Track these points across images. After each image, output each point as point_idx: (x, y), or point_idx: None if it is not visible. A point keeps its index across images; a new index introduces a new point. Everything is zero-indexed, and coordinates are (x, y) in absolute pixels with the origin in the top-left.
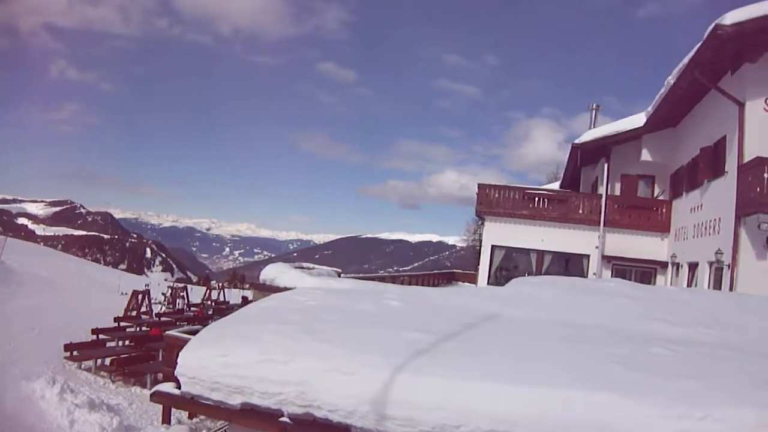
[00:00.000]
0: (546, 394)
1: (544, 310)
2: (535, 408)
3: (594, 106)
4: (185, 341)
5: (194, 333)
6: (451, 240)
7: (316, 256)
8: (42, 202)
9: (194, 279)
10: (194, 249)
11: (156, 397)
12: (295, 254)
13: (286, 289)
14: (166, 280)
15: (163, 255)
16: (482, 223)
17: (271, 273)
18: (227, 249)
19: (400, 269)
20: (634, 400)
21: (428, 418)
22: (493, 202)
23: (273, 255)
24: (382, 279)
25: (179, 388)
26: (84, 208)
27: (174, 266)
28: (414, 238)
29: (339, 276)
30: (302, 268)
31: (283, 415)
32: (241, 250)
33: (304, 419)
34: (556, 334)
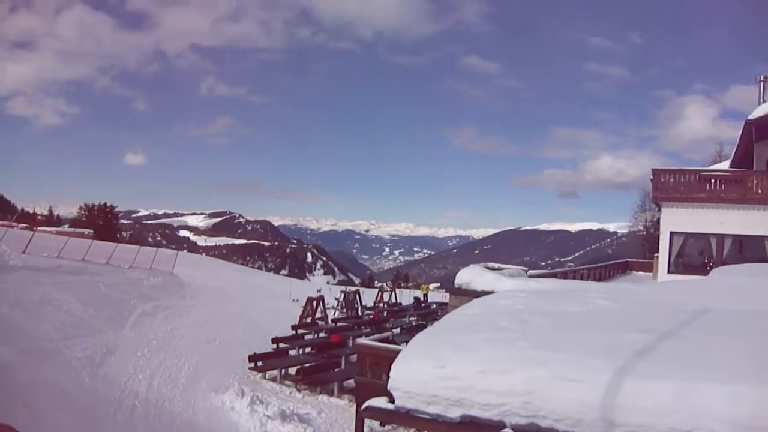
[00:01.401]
0: None
1: (759, 302)
2: None
3: (762, 78)
4: (377, 349)
5: (385, 340)
6: (611, 227)
7: (476, 252)
8: (202, 214)
9: (356, 281)
10: (354, 251)
11: (368, 412)
12: (455, 251)
13: (483, 292)
14: (328, 282)
15: (324, 258)
16: (658, 210)
17: (467, 277)
18: (387, 249)
19: (562, 260)
20: None
21: (659, 424)
22: (669, 187)
23: (433, 253)
24: (564, 274)
25: (392, 402)
26: (243, 217)
27: (335, 269)
28: (574, 227)
29: (527, 274)
30: (491, 268)
31: (505, 426)
32: (401, 250)
33: (527, 430)
34: None
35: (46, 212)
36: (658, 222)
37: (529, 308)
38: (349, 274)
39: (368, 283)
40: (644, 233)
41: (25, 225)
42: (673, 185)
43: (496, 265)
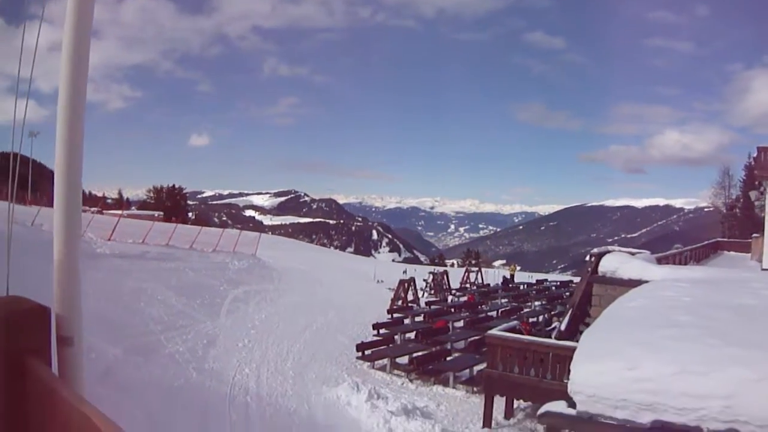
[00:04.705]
0: None
1: None
2: None
3: None
4: (509, 341)
5: (512, 330)
6: (678, 203)
7: (542, 228)
8: (267, 193)
9: (422, 258)
10: (419, 228)
11: (546, 418)
12: (521, 227)
13: (631, 280)
14: (393, 260)
15: (390, 236)
16: (763, 189)
17: (612, 264)
18: (452, 226)
19: (629, 236)
20: None
21: None
22: None
23: (498, 229)
24: (674, 257)
25: (572, 406)
26: (308, 196)
27: (401, 246)
28: (640, 203)
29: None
30: (624, 252)
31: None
32: (466, 227)
33: None
34: None
35: (115, 195)
36: (737, 200)
37: (699, 301)
38: (415, 252)
39: (440, 261)
40: (724, 211)
41: (97, 209)
42: None
43: (629, 250)
